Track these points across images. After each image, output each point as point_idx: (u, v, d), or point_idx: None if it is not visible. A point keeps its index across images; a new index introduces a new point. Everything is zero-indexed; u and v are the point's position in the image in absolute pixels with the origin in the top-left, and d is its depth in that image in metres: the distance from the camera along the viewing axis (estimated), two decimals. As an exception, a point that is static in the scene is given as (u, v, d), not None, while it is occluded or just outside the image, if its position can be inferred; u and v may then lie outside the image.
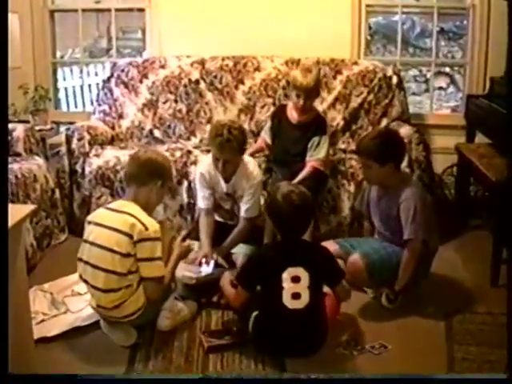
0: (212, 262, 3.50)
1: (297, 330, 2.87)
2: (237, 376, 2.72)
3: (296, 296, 2.86)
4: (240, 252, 3.71)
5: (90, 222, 3.10)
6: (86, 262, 3.00)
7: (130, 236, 2.91)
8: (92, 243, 3.00)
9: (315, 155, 3.96)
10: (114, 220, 2.98)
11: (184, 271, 3.41)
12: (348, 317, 3.24)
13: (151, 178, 3.10)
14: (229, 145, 3.46)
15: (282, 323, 2.88)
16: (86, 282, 3.05)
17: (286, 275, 2.86)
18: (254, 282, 2.97)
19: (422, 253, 3.33)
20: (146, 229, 2.92)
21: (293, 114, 4.07)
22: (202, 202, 3.75)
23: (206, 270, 3.47)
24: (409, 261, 3.30)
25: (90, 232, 3.05)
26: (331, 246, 3.58)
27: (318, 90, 4.10)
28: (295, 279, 2.86)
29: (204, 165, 3.79)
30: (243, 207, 3.65)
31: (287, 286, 2.86)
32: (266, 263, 2.96)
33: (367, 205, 3.63)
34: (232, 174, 3.64)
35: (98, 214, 3.12)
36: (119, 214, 3.00)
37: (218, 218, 3.83)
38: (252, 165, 3.71)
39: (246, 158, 3.74)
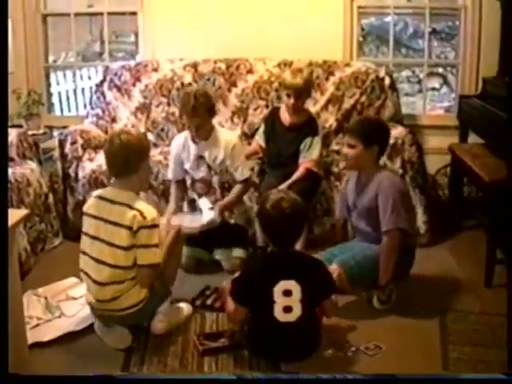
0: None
1: (288, 342, 2.85)
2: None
3: (287, 309, 2.83)
4: (235, 256, 3.73)
5: (86, 214, 3.08)
6: (89, 256, 3.00)
7: (131, 228, 2.91)
8: (93, 237, 3.00)
9: (308, 156, 3.96)
10: (113, 213, 2.97)
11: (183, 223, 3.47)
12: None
13: (140, 163, 3.04)
14: (196, 112, 3.66)
15: (273, 336, 2.86)
16: (86, 274, 3.04)
17: (277, 289, 2.82)
18: (249, 297, 2.91)
19: (402, 243, 3.28)
20: (145, 218, 2.92)
21: (285, 116, 4.07)
22: (171, 174, 3.96)
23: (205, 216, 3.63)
24: (389, 251, 3.27)
25: (90, 225, 3.04)
26: None
27: (309, 90, 4.09)
28: (287, 293, 2.82)
29: (178, 138, 3.99)
30: (236, 173, 3.84)
31: (278, 300, 2.82)
32: (257, 278, 2.89)
33: (347, 207, 3.60)
34: (205, 139, 3.81)
35: (94, 205, 3.07)
36: (117, 205, 2.98)
37: (195, 196, 3.90)
38: (223, 133, 3.90)
39: (218, 127, 3.93)
